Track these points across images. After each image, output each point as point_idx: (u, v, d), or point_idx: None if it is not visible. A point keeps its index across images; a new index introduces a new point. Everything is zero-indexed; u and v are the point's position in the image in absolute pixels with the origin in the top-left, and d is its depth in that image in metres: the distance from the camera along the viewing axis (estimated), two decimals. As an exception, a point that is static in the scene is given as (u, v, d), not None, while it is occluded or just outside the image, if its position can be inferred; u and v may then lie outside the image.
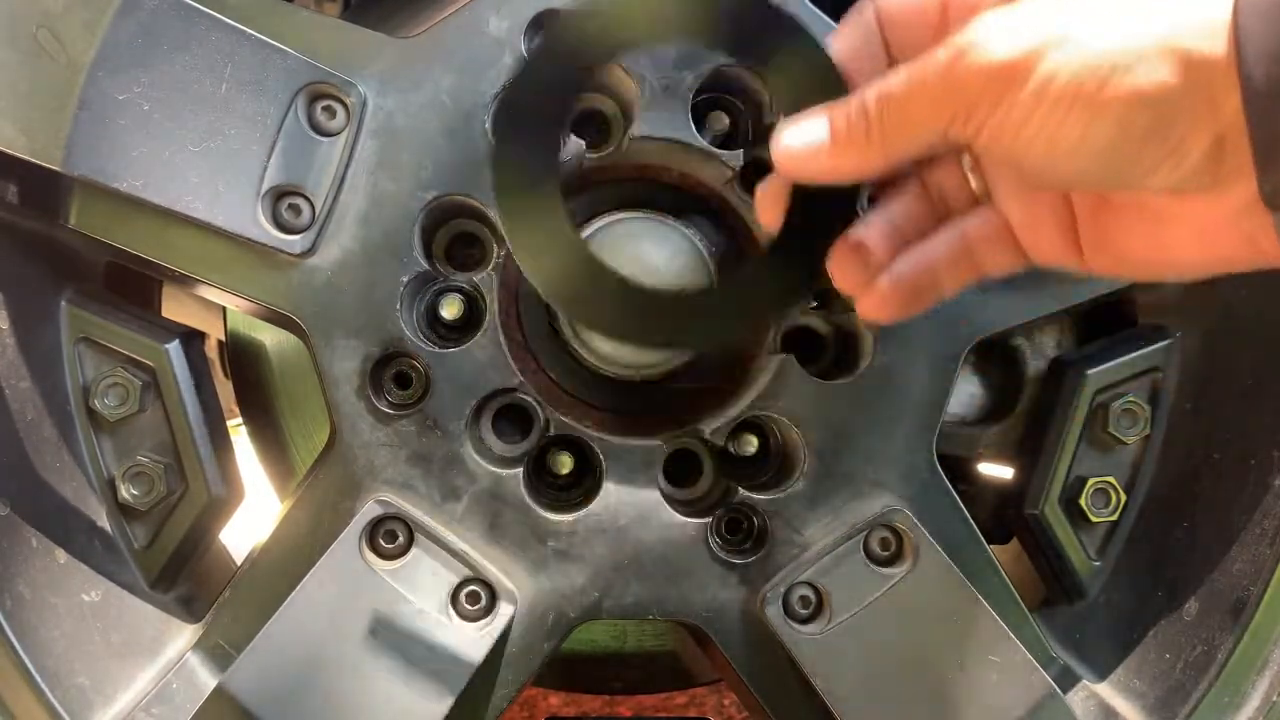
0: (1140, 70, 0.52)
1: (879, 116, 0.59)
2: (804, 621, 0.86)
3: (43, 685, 0.80)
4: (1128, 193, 0.60)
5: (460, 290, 0.86)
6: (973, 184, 0.68)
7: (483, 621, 0.84)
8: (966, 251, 0.67)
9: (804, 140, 0.62)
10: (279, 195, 0.81)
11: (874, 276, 0.67)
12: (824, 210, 0.66)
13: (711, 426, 0.87)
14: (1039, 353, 0.98)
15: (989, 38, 0.55)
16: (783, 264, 0.68)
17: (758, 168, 0.89)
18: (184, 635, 0.89)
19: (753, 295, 0.69)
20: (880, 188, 0.70)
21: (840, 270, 0.67)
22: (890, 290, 0.66)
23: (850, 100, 0.62)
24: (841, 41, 0.66)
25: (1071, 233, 0.64)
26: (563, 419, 0.87)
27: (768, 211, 0.69)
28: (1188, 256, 0.60)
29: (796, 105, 0.64)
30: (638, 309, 0.69)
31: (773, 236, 0.68)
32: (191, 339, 0.90)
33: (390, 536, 0.84)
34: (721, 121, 0.88)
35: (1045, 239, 0.65)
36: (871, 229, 0.67)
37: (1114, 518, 0.96)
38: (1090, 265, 0.65)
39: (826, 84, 0.64)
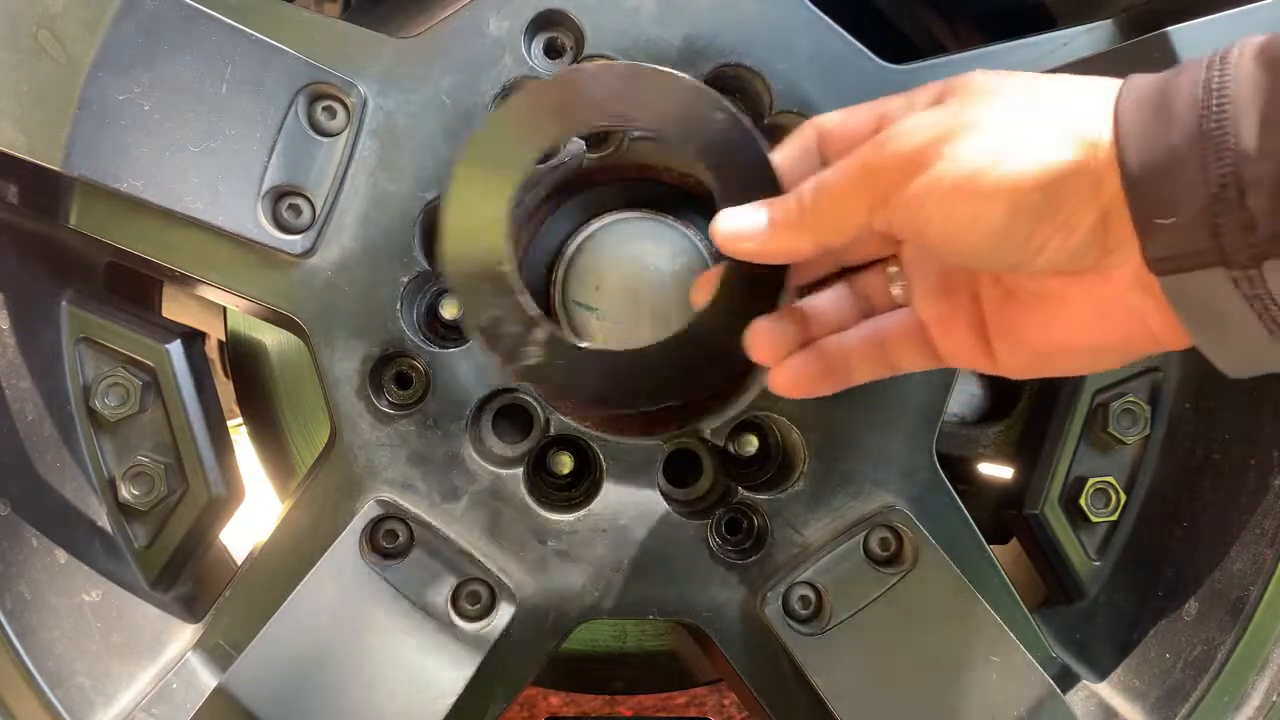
0: (1030, 152, 0.57)
1: (812, 202, 0.66)
2: (804, 621, 0.86)
3: (43, 685, 0.80)
4: (1026, 280, 0.64)
5: (460, 290, 0.86)
6: (894, 290, 0.74)
7: (483, 621, 0.84)
8: (880, 345, 0.73)
9: (745, 223, 0.68)
10: (279, 195, 0.81)
11: (787, 353, 0.72)
12: (749, 292, 0.72)
13: (711, 426, 0.87)
14: (1039, 353, 0.98)
15: (904, 131, 0.62)
16: (710, 334, 0.72)
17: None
18: (184, 635, 0.89)
19: (684, 361, 0.73)
20: (809, 287, 0.76)
21: (756, 342, 0.71)
22: (800, 366, 0.72)
23: (788, 193, 0.68)
24: (782, 154, 0.73)
25: (981, 331, 0.69)
26: (563, 419, 0.87)
27: (700, 294, 0.75)
28: (1087, 340, 0.64)
29: (737, 200, 0.70)
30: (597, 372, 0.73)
31: (700, 311, 0.73)
32: (192, 339, 0.90)
33: (390, 536, 0.84)
34: (721, 121, 0.88)
35: (957, 338, 0.70)
36: (793, 312, 0.73)
37: (1114, 518, 0.96)
38: (1000, 364, 0.69)
39: (765, 184, 0.71)
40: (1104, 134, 0.57)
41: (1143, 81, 0.57)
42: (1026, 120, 0.59)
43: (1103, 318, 0.62)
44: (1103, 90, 0.59)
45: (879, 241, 0.73)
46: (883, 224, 0.63)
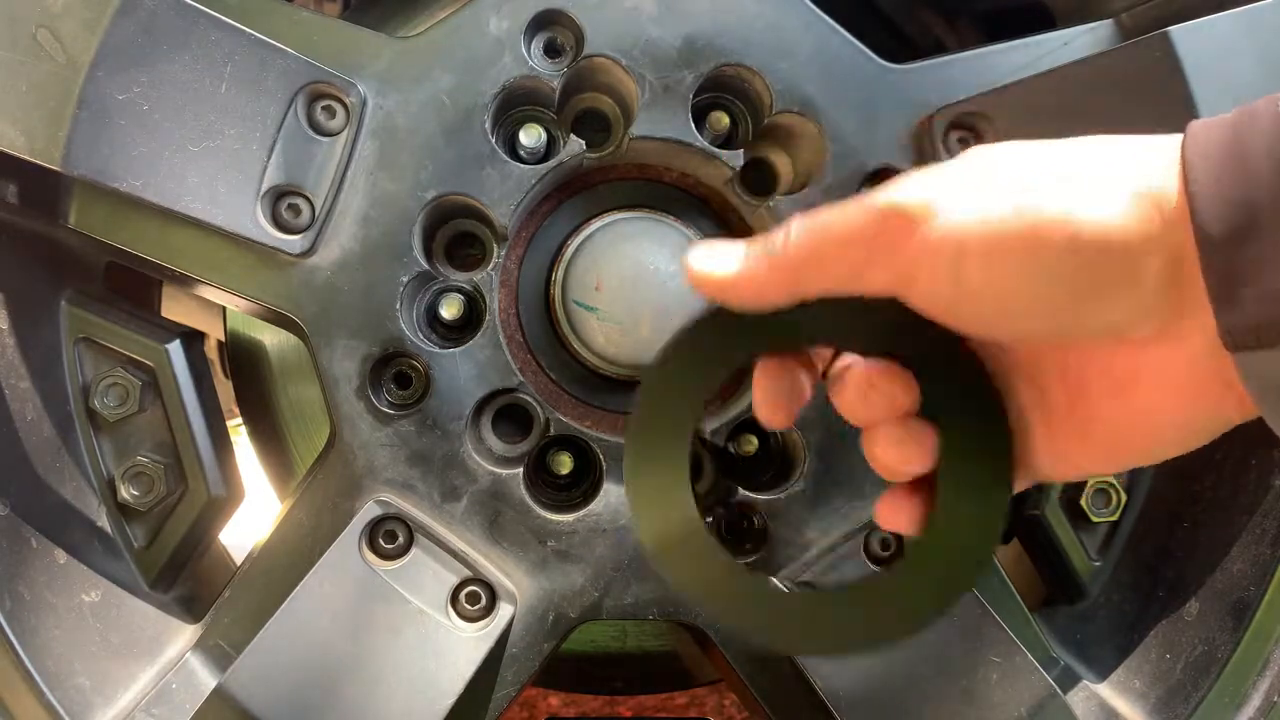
0: (1088, 208, 0.50)
1: (799, 241, 0.56)
2: (804, 622, 0.86)
3: (43, 686, 0.80)
4: (1090, 358, 0.57)
5: (460, 290, 0.86)
6: None
7: (483, 621, 0.84)
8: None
9: (718, 259, 0.59)
10: (279, 195, 0.81)
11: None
12: None
13: (711, 426, 0.87)
14: (1039, 353, 0.98)
15: (929, 175, 0.54)
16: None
17: (758, 168, 0.90)
18: (184, 635, 0.89)
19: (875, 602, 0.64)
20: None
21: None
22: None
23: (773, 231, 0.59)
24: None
25: (1049, 439, 0.61)
26: (563, 419, 0.87)
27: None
28: (1169, 417, 0.57)
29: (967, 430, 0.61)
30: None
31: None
32: (191, 339, 0.90)
33: (390, 537, 0.84)
34: (721, 121, 0.88)
35: (1030, 451, 0.62)
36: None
37: (1114, 518, 0.96)
38: (1075, 466, 0.61)
39: (980, 396, 0.61)
40: (1170, 185, 0.50)
41: (1209, 127, 0.51)
42: (1077, 174, 0.51)
43: (1185, 389, 0.55)
44: (1160, 144, 0.52)
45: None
46: (886, 282, 0.55)
